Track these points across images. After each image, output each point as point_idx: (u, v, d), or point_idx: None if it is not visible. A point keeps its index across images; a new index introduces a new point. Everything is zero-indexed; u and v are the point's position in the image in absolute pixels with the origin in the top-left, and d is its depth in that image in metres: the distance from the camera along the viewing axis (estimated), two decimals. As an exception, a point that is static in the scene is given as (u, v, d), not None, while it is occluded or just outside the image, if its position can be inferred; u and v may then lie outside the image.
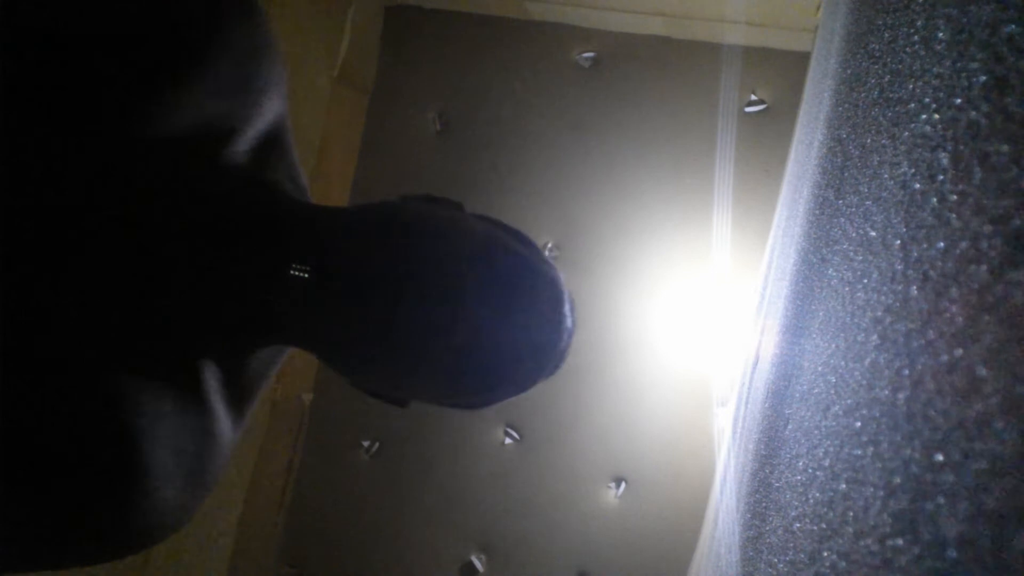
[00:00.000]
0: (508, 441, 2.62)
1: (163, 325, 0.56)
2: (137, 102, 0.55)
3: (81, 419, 0.51)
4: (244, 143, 0.61)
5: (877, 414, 0.33)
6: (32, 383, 0.51)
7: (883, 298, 0.36)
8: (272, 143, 0.64)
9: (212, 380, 0.59)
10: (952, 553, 0.24)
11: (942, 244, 0.29)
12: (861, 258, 0.44)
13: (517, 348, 0.61)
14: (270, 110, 0.64)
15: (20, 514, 0.51)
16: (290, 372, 2.59)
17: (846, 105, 0.67)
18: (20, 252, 0.52)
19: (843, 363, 0.42)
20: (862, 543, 0.31)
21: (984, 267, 0.26)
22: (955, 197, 0.29)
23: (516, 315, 0.60)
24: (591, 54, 2.64)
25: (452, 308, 0.57)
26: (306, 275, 0.59)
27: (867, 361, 0.36)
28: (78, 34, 0.54)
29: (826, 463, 0.41)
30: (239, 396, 0.61)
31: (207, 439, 0.58)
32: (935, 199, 0.31)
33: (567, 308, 0.65)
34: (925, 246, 0.31)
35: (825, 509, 0.39)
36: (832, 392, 0.43)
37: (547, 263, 0.65)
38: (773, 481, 0.63)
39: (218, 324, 0.59)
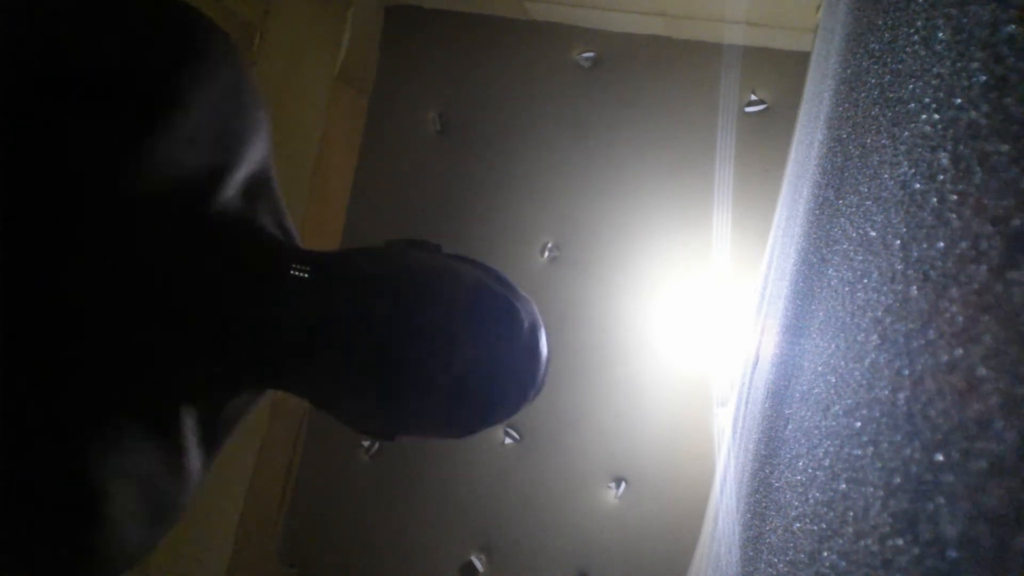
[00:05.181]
0: (508, 441, 2.62)
1: (148, 369, 0.58)
2: (115, 157, 0.56)
3: (46, 458, 0.53)
4: (228, 190, 0.63)
5: (877, 414, 0.33)
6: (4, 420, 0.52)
7: (883, 298, 0.36)
8: (257, 188, 0.66)
9: (188, 419, 0.61)
10: (952, 553, 0.24)
11: (942, 244, 0.29)
12: (861, 258, 0.44)
13: (504, 381, 0.66)
14: (253, 156, 0.66)
15: None
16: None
17: (846, 105, 0.67)
18: (17, 290, 0.53)
19: (843, 363, 0.42)
20: (862, 543, 0.31)
21: (984, 267, 0.26)
22: (955, 197, 0.29)
23: (502, 352, 0.66)
24: (591, 54, 2.64)
25: (449, 351, 0.62)
26: (301, 324, 0.62)
27: (867, 361, 0.36)
28: (52, 90, 0.55)
29: (826, 463, 0.41)
30: (214, 434, 0.65)
31: (177, 474, 0.61)
32: (935, 199, 0.31)
33: (542, 338, 0.70)
34: (925, 246, 0.31)
35: (825, 509, 0.39)
36: (832, 392, 0.43)
37: (524, 299, 0.71)
38: (773, 481, 0.63)
39: (206, 370, 0.62)
